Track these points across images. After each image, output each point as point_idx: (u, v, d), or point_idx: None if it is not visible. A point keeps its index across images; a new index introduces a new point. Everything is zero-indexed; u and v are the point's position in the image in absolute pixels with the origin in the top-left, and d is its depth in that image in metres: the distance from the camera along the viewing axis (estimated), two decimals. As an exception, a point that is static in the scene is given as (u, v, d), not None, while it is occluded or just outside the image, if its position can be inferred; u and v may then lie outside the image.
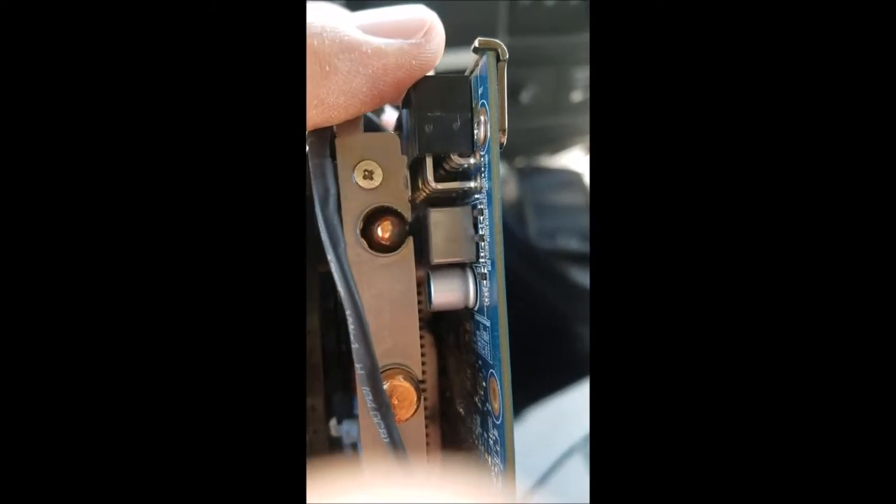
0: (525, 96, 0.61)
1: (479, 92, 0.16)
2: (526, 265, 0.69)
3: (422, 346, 0.21)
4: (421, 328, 0.21)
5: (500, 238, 0.16)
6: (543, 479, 0.54)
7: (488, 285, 0.17)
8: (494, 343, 0.16)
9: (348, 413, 0.24)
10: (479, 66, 0.16)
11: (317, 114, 0.15)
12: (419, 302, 0.18)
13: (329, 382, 0.23)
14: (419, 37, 0.16)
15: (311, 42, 0.15)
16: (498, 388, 0.16)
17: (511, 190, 0.70)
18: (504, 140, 0.16)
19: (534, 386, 0.58)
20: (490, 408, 0.17)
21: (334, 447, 0.24)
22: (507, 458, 0.16)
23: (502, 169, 0.72)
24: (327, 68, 0.15)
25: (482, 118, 0.16)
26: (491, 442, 0.17)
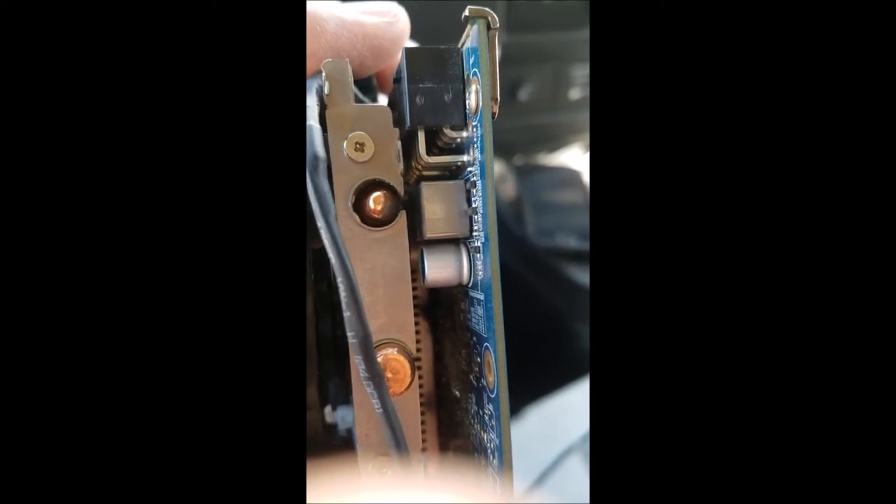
0: (523, 94, 0.61)
1: (471, 62, 0.16)
2: (524, 264, 0.69)
3: (417, 332, 0.20)
4: (416, 314, 0.21)
5: (493, 210, 0.16)
6: (542, 479, 0.53)
7: (482, 258, 0.16)
8: (488, 315, 0.16)
9: (343, 399, 0.24)
10: (470, 37, 0.16)
11: (310, 65, 0.18)
12: (413, 280, 0.18)
13: (324, 369, 0.22)
14: (389, 17, 0.20)
15: (308, 9, 0.17)
16: (492, 360, 0.16)
17: (509, 188, 0.70)
18: (496, 110, 0.16)
19: (533, 385, 0.58)
20: (485, 383, 0.17)
21: (329, 433, 0.23)
22: (502, 432, 0.16)
23: (500, 166, 0.72)
24: (318, 29, 0.18)
25: (474, 87, 0.16)
26: (486, 418, 0.17)
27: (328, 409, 0.23)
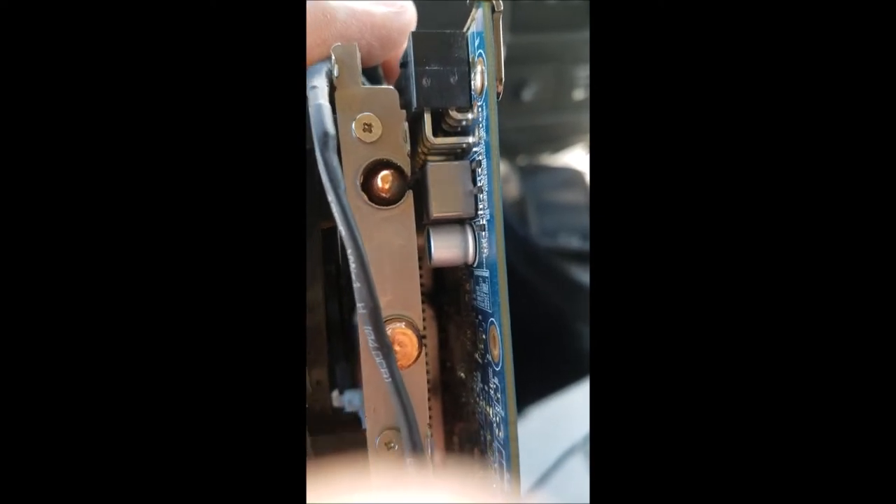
0: (527, 94, 0.62)
1: (476, 44, 0.17)
2: (527, 263, 0.69)
3: (423, 318, 0.21)
4: (422, 300, 0.21)
5: (498, 187, 0.16)
6: (543, 479, 0.53)
7: (487, 236, 0.17)
8: (493, 290, 0.16)
9: (350, 383, 0.24)
10: (475, 21, 0.17)
11: (318, 52, 0.18)
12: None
13: (331, 352, 0.23)
14: (397, 7, 0.20)
15: None
16: (497, 333, 0.16)
17: (512, 188, 0.70)
18: (500, 90, 0.16)
19: (534, 385, 0.58)
20: (490, 357, 0.17)
21: (336, 417, 0.24)
22: (507, 403, 0.16)
23: (503, 166, 0.72)
24: (328, 17, 0.18)
25: (479, 68, 0.16)
26: (492, 391, 0.17)
27: (335, 392, 0.24)
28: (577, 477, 0.54)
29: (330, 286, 0.22)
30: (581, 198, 0.71)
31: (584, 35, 0.60)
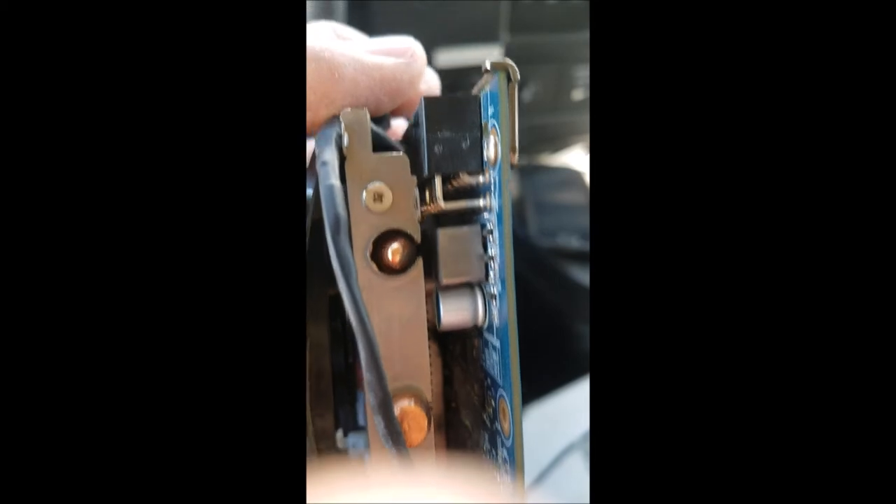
0: (526, 94, 0.61)
1: (490, 112, 0.16)
2: (526, 264, 0.69)
3: (428, 355, 0.21)
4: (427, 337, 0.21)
5: (510, 258, 0.16)
6: (542, 477, 0.54)
7: (498, 305, 0.17)
8: (504, 363, 0.16)
9: (354, 425, 0.24)
10: (488, 83, 0.16)
11: (327, 112, 0.18)
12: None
13: (335, 396, 0.22)
14: (407, 57, 0.20)
15: (324, 54, 0.18)
16: (508, 409, 0.16)
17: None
18: (515, 160, 0.16)
19: (533, 384, 0.58)
20: (499, 427, 0.17)
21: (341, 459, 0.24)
22: (517, 475, 0.16)
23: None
24: (336, 75, 0.18)
25: (493, 138, 0.16)
26: (500, 461, 0.17)
27: (339, 434, 0.24)
28: (577, 475, 0.54)
29: (335, 338, 0.21)
30: (580, 198, 0.71)
31: (584, 35, 0.60)
